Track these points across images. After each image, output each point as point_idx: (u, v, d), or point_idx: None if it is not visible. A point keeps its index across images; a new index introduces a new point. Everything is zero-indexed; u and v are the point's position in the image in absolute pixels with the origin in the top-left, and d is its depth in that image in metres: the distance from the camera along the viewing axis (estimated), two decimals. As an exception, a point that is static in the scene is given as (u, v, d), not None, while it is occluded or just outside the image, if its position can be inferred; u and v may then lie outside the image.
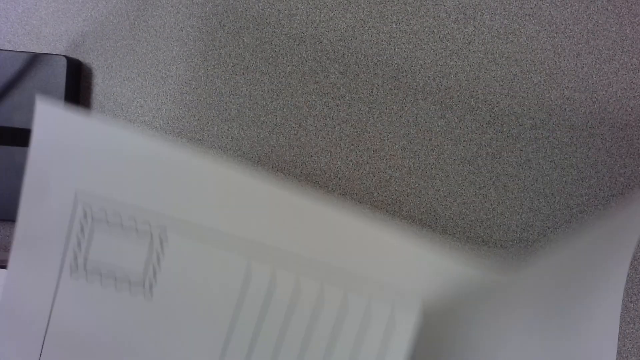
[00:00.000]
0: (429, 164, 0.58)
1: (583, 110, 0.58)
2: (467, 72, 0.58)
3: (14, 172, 0.57)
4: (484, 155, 0.58)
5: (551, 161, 0.58)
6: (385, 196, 0.58)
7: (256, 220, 0.41)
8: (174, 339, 0.41)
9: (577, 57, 0.57)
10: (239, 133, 0.59)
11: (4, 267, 0.57)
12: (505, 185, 0.58)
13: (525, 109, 0.58)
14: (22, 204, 0.44)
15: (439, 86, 0.58)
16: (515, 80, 0.58)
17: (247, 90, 0.59)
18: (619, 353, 0.58)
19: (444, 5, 0.58)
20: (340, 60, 0.59)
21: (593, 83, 0.57)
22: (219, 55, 0.59)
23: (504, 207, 0.58)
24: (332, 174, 0.59)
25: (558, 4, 0.57)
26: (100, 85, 0.59)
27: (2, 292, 0.44)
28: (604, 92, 0.58)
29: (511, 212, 0.58)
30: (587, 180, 0.58)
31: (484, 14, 0.58)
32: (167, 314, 0.41)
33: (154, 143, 0.41)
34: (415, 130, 0.58)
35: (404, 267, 0.42)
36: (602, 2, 0.57)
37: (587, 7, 0.57)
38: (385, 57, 0.58)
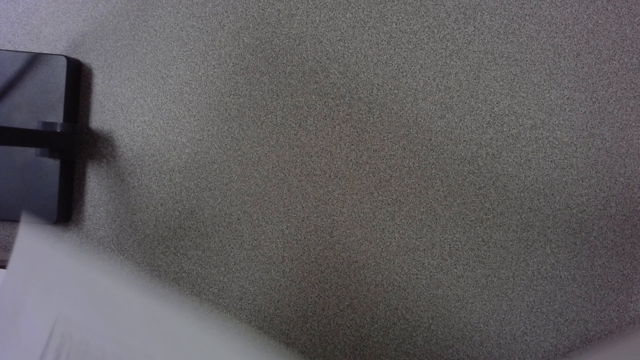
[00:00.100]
0: (429, 164, 0.58)
1: (583, 110, 0.58)
2: (467, 72, 0.58)
3: (14, 172, 0.57)
4: (484, 155, 0.58)
5: (551, 161, 0.58)
6: (385, 196, 0.58)
7: None
8: None
9: (577, 57, 0.58)
10: (239, 133, 0.59)
11: (4, 267, 0.57)
12: (505, 185, 0.58)
13: (525, 109, 0.58)
14: None
15: (439, 86, 0.58)
16: (515, 80, 0.58)
17: (247, 90, 0.59)
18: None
19: (444, 5, 0.58)
20: (340, 60, 0.59)
21: (593, 83, 0.57)
22: (219, 55, 0.59)
23: (504, 207, 0.58)
24: (332, 174, 0.59)
25: (558, 4, 0.57)
26: (100, 85, 0.59)
27: None
28: (604, 92, 0.58)
29: (511, 212, 0.58)
30: (587, 180, 0.58)
31: (484, 14, 0.58)
32: None
33: (132, 291, 0.39)
34: (415, 130, 0.58)
35: None
36: (602, 2, 0.57)
37: (587, 7, 0.57)
38: (385, 57, 0.58)
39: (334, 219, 0.58)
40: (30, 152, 0.57)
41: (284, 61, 0.59)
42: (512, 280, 0.58)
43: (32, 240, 0.40)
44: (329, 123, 0.59)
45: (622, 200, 0.57)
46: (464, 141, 0.58)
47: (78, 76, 0.59)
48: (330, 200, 0.58)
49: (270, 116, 0.59)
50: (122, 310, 0.40)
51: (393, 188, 0.58)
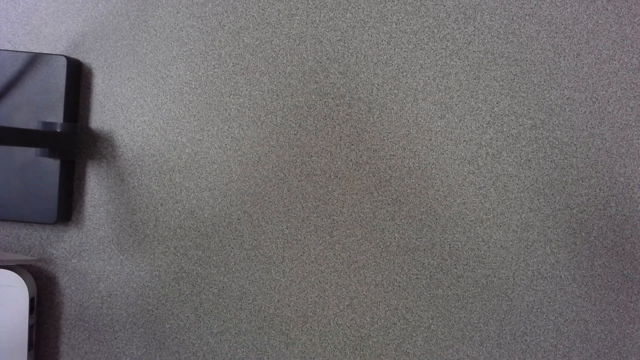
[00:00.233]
0: (429, 164, 0.58)
1: (583, 110, 0.58)
2: (467, 72, 0.58)
3: (14, 172, 0.57)
4: (484, 155, 0.58)
5: (551, 161, 0.58)
6: (385, 196, 0.58)
7: None
8: None
9: (577, 57, 0.58)
10: (239, 133, 0.59)
11: (4, 267, 0.57)
12: (505, 185, 0.58)
13: (525, 109, 0.58)
14: None
15: (439, 86, 0.58)
16: (515, 80, 0.58)
17: (247, 90, 0.59)
18: (619, 353, 0.58)
19: (444, 5, 0.58)
20: (340, 60, 0.59)
21: (593, 83, 0.57)
22: (219, 55, 0.59)
23: (504, 207, 0.58)
24: (332, 174, 0.59)
25: (558, 4, 0.57)
26: (100, 85, 0.59)
27: None
28: (604, 92, 0.58)
29: (511, 212, 0.58)
30: (587, 180, 0.58)
31: (484, 14, 0.58)
32: None
33: None
34: (415, 130, 0.58)
35: None
36: (602, 2, 0.57)
37: (587, 7, 0.57)
38: (385, 57, 0.58)
39: (334, 219, 0.58)
40: (30, 152, 0.57)
41: (284, 61, 0.59)
42: (512, 280, 0.58)
43: None
44: (329, 123, 0.59)
45: (622, 200, 0.57)
46: (464, 141, 0.58)
47: (78, 76, 0.59)
48: (330, 200, 0.58)
49: (270, 116, 0.59)
50: None
51: (393, 188, 0.58)
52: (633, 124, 0.57)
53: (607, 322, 0.58)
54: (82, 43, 0.59)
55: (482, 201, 0.58)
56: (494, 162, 0.58)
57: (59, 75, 0.57)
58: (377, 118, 0.58)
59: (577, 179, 0.57)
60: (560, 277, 0.58)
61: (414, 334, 0.58)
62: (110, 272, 0.60)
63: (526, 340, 0.58)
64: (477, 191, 0.58)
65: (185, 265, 0.59)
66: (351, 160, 0.58)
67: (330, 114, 0.59)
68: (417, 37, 0.58)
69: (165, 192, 0.59)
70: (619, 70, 0.57)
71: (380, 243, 0.58)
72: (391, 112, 0.58)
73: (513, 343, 0.58)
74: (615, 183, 0.57)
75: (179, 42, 0.59)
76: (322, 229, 0.59)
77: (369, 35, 0.58)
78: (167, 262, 0.59)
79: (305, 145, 0.59)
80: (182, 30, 0.59)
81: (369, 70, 0.58)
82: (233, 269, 0.59)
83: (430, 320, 0.58)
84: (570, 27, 0.57)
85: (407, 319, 0.58)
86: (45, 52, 0.59)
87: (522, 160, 0.58)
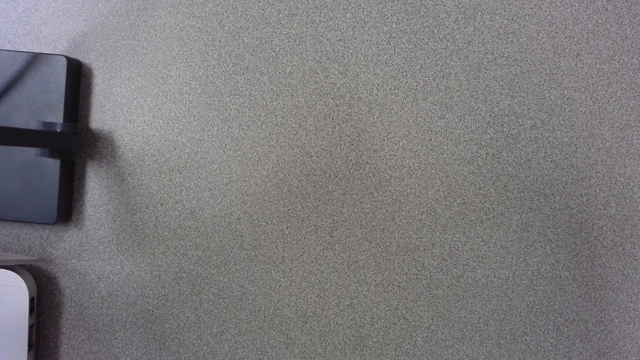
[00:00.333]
0: (429, 164, 0.58)
1: (583, 110, 0.58)
2: (467, 72, 0.58)
3: (14, 172, 0.57)
4: (484, 155, 0.58)
5: (551, 161, 0.58)
6: (385, 196, 0.58)
7: None
8: None
9: (577, 57, 0.58)
10: (239, 133, 0.59)
11: (4, 267, 0.57)
12: (505, 185, 0.58)
13: (525, 109, 0.58)
14: None
15: (439, 86, 0.58)
16: (515, 80, 0.58)
17: (247, 90, 0.59)
18: (619, 353, 0.58)
19: (444, 5, 0.58)
20: (340, 60, 0.59)
21: (593, 83, 0.57)
22: (219, 55, 0.59)
23: (504, 207, 0.58)
24: (332, 174, 0.59)
25: (558, 4, 0.57)
26: (100, 85, 0.59)
27: None
28: (604, 92, 0.58)
29: (511, 212, 0.58)
30: (587, 180, 0.58)
31: (484, 14, 0.58)
32: None
33: None
34: (415, 130, 0.58)
35: None
36: (602, 2, 0.57)
37: (587, 7, 0.57)
38: (385, 57, 0.58)
39: (334, 219, 0.58)
40: (30, 152, 0.57)
41: (284, 61, 0.59)
42: (512, 280, 0.58)
43: None
44: (329, 123, 0.59)
45: (622, 200, 0.57)
46: (464, 141, 0.58)
47: (78, 76, 0.59)
48: (330, 200, 0.58)
49: (270, 116, 0.59)
50: None
51: (393, 188, 0.58)
52: (633, 124, 0.57)
53: (607, 322, 0.58)
54: (82, 43, 0.59)
55: (482, 201, 0.58)
56: (494, 162, 0.58)
57: (59, 75, 0.57)
58: (377, 118, 0.58)
59: (577, 179, 0.57)
60: (560, 277, 0.58)
61: (414, 334, 0.58)
62: (110, 272, 0.60)
63: (526, 340, 0.58)
64: (477, 191, 0.58)
65: (185, 265, 0.59)
66: (351, 160, 0.58)
67: (330, 114, 0.59)
68: (417, 37, 0.58)
69: (165, 192, 0.59)
70: (619, 70, 0.57)
71: (380, 243, 0.58)
72: (391, 112, 0.58)
73: (513, 343, 0.58)
74: (615, 183, 0.57)
75: (179, 42, 0.59)
76: (322, 229, 0.59)
77: (369, 35, 0.58)
78: (167, 262, 0.59)
79: (305, 145, 0.59)
80: (182, 30, 0.59)
81: (369, 70, 0.58)
82: (233, 269, 0.59)
83: (430, 320, 0.58)
84: (570, 27, 0.57)
85: (407, 319, 0.58)
86: (45, 52, 0.59)
87: (522, 160, 0.58)
